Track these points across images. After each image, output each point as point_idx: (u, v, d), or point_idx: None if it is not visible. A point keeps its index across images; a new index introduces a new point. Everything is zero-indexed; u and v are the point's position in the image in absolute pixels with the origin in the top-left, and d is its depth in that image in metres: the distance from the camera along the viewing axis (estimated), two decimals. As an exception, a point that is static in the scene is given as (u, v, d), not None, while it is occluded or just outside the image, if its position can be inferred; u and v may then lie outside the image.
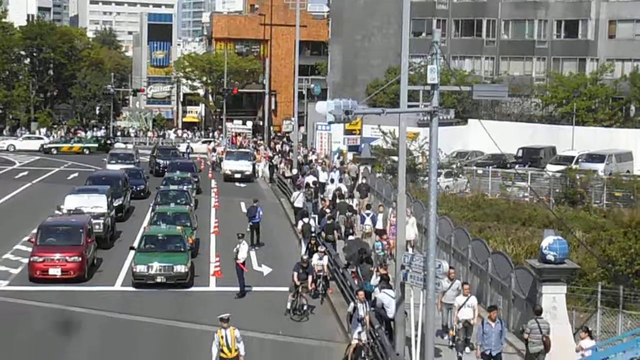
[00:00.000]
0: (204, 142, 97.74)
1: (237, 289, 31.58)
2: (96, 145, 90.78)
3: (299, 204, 45.41)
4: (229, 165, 64.57)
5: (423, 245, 30.37)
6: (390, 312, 24.89)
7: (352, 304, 25.22)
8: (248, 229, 40.39)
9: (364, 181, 49.35)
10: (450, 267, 26.23)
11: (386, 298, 25.24)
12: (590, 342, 23.04)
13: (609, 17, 79.40)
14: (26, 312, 29.61)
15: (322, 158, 66.04)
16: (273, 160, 67.25)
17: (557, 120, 77.02)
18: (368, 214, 40.70)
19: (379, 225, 37.76)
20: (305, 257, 30.71)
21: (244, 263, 31.55)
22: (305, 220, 36.96)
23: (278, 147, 79.92)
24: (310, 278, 29.42)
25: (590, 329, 24.26)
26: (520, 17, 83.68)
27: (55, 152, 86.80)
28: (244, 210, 48.88)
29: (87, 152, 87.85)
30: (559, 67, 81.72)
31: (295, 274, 29.06)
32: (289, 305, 28.97)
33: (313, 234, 35.15)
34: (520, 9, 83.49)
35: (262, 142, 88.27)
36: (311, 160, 64.13)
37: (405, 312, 24.13)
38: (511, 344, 26.19)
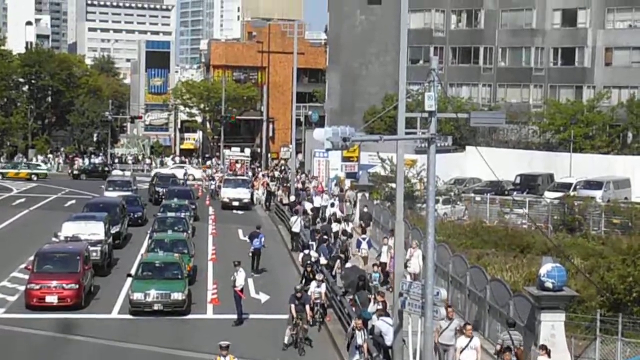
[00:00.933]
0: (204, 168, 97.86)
1: (235, 316, 31.46)
2: (45, 171, 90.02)
3: (296, 228, 45.77)
4: (227, 193, 64.20)
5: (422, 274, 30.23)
6: (389, 340, 24.80)
7: (350, 331, 25.14)
8: (250, 254, 40.42)
9: (365, 210, 49.08)
10: (449, 306, 25.32)
11: (384, 326, 25.15)
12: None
13: (606, 45, 79.71)
14: (23, 340, 29.46)
15: (315, 181, 66.38)
16: (270, 187, 67.05)
17: (554, 147, 77.10)
18: (364, 239, 40.93)
19: (383, 258, 36.67)
20: (298, 287, 29.72)
21: (242, 290, 31.45)
22: (306, 251, 36.65)
23: (276, 173, 79.91)
24: (307, 308, 28.63)
25: (549, 348, 23.46)
26: (517, 44, 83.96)
27: (0, 177, 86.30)
28: (242, 237, 48.88)
29: (35, 177, 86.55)
30: (556, 94, 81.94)
31: (292, 306, 28.35)
32: (286, 340, 28.30)
33: (309, 262, 34.98)
34: (517, 37, 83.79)
35: (260, 169, 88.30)
36: (307, 187, 64.01)
37: (403, 339, 24.04)
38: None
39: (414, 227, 40.83)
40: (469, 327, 23.89)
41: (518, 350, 23.55)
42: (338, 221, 46.21)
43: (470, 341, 23.26)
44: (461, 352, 23.19)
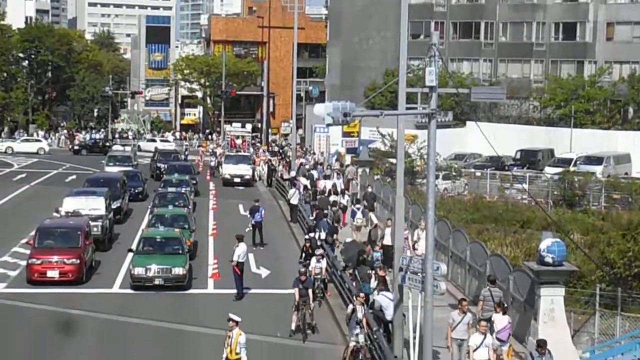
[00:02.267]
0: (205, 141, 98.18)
1: (235, 291, 31.54)
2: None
3: (294, 201, 46.66)
4: (228, 170, 63.53)
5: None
6: (389, 315, 24.89)
7: (350, 306, 25.21)
8: (249, 229, 40.58)
9: (370, 190, 47.09)
10: (463, 299, 24.67)
11: (384, 300, 25.23)
12: (503, 317, 23.88)
13: (607, 20, 79.50)
14: (24, 315, 29.58)
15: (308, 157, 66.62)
16: (272, 163, 66.78)
17: (555, 123, 77.07)
18: (358, 208, 41.39)
19: (387, 241, 35.15)
20: (302, 269, 28.86)
21: (239, 266, 31.35)
22: (311, 234, 36.58)
23: (277, 149, 79.80)
24: (311, 292, 27.71)
25: (506, 305, 24.82)
26: (518, 19, 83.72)
27: None
28: (242, 212, 48.94)
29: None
30: (557, 69, 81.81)
31: (296, 290, 27.40)
32: (293, 326, 27.42)
33: (307, 238, 35.06)
34: (518, 12, 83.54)
35: (260, 144, 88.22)
36: (303, 163, 63.88)
37: (403, 314, 24.11)
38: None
39: (414, 202, 40.90)
40: (483, 323, 22.96)
41: (498, 305, 24.25)
42: (336, 193, 46.89)
43: (484, 338, 22.50)
44: (475, 350, 22.43)
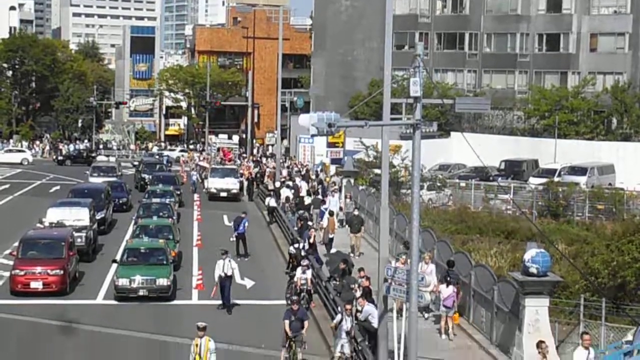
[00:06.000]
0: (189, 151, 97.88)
1: (220, 301, 31.46)
2: None
3: (272, 203, 49.04)
4: (214, 183, 60.90)
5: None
6: (375, 324, 24.85)
7: (338, 317, 25.14)
8: (233, 239, 40.60)
9: (356, 213, 42.15)
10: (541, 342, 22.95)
11: (370, 310, 25.18)
12: (448, 288, 28.00)
13: (591, 31, 79.83)
14: (7, 326, 29.40)
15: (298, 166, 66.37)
16: (252, 175, 65.11)
17: (539, 133, 77.30)
18: (326, 209, 41.59)
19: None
20: (294, 297, 26.28)
21: (223, 280, 31.19)
22: (296, 245, 36.57)
23: (264, 160, 79.46)
24: (306, 325, 25.07)
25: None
26: (502, 30, 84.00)
27: None
28: (227, 223, 48.85)
29: None
30: (541, 80, 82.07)
31: (287, 322, 24.66)
32: None
33: (291, 253, 35.27)
34: (503, 23, 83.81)
35: (245, 155, 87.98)
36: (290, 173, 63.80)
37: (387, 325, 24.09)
38: (495, 357, 26.21)
39: (399, 213, 40.91)
40: (586, 337, 22.18)
41: (457, 286, 28.37)
42: (309, 194, 48.45)
43: (588, 354, 21.64)
44: None
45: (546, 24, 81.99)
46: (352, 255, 37.69)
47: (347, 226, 42.74)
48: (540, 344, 22.32)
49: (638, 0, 77.48)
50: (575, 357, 21.83)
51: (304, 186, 54.31)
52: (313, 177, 61.08)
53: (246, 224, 41.09)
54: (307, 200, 48.47)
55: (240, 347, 26.96)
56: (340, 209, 46.97)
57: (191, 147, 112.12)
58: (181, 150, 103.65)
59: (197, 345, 21.82)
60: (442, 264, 32.85)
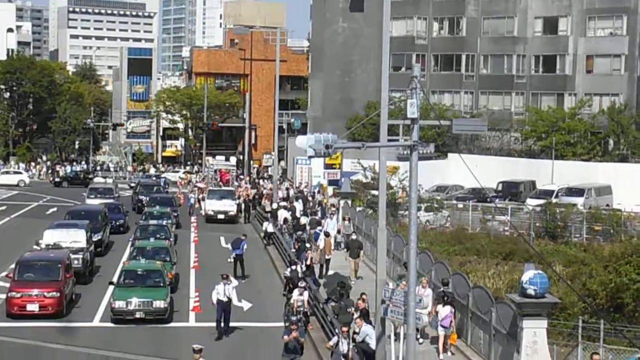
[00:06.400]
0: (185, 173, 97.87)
1: (213, 323, 31.27)
2: None
3: (270, 229, 49.19)
4: (211, 206, 60.48)
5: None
6: (374, 345, 24.75)
7: (334, 339, 25.05)
8: (230, 260, 40.53)
9: (354, 237, 41.79)
10: None
11: (368, 331, 25.10)
12: (445, 308, 28.06)
13: (587, 52, 80.00)
14: (3, 349, 29.27)
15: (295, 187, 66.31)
16: (249, 197, 64.96)
17: (536, 154, 77.35)
18: (321, 230, 41.61)
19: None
20: (293, 318, 27.01)
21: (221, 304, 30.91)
22: (292, 267, 36.47)
23: (262, 182, 79.39)
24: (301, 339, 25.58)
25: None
26: (498, 52, 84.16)
27: None
28: (224, 245, 48.80)
29: None
30: (538, 101, 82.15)
31: (286, 337, 25.32)
32: None
33: (286, 276, 35.23)
34: (499, 44, 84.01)
35: (243, 177, 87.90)
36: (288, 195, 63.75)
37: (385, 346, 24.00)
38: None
39: (397, 234, 40.85)
40: (596, 357, 23.12)
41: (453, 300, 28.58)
42: (306, 214, 48.61)
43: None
44: None
45: (542, 45, 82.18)
46: (351, 280, 37.41)
47: (344, 249, 42.60)
48: (592, 356, 22.90)
49: (634, 22, 77.71)
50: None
51: (298, 207, 54.40)
52: (310, 198, 61.06)
53: (245, 246, 41.04)
54: (303, 221, 48.50)
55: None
56: (339, 231, 46.83)
57: (187, 168, 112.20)
58: (185, 172, 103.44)
59: None
60: (440, 285, 32.81)
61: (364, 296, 28.10)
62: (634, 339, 29.91)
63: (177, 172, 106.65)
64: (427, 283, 30.19)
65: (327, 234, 42.21)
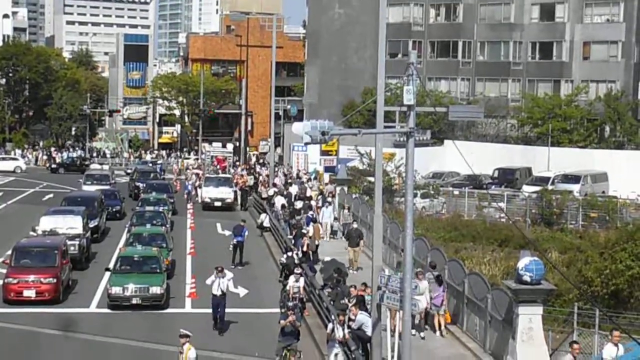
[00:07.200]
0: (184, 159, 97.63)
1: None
2: None
3: (267, 223, 48.32)
4: (208, 193, 59.96)
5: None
6: (369, 332, 24.80)
7: (330, 326, 25.10)
8: (230, 248, 40.53)
9: (354, 226, 41.52)
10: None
11: (364, 318, 25.14)
12: (439, 287, 28.65)
13: (584, 39, 79.96)
14: (0, 335, 29.31)
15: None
16: (246, 185, 64.19)
17: (532, 141, 77.37)
18: (312, 214, 41.86)
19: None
20: (290, 304, 26.60)
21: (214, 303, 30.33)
22: (289, 254, 36.48)
23: (258, 168, 79.19)
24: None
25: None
26: (495, 38, 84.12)
27: None
28: (220, 231, 48.82)
29: None
30: (534, 88, 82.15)
31: (283, 321, 25.08)
32: None
33: (282, 262, 35.30)
34: (496, 31, 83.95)
35: (239, 164, 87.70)
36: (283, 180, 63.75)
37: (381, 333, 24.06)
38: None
39: (393, 220, 40.88)
40: (616, 333, 22.41)
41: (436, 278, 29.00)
42: (301, 199, 48.45)
43: (617, 350, 21.98)
44: None
45: (539, 32, 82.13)
46: (350, 269, 37.38)
47: (342, 238, 42.63)
48: (572, 345, 22.57)
49: (631, 9, 77.65)
50: (605, 354, 22.00)
51: (293, 192, 54.46)
52: (305, 180, 61.13)
53: (246, 233, 41.05)
54: (299, 205, 48.43)
55: (234, 355, 26.90)
56: (335, 219, 46.79)
57: (185, 155, 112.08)
58: (195, 159, 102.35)
59: (180, 353, 21.90)
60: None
61: (367, 290, 27.08)
62: (629, 325, 30.00)
63: (188, 158, 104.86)
64: (422, 275, 29.63)
65: (314, 220, 42.22)
